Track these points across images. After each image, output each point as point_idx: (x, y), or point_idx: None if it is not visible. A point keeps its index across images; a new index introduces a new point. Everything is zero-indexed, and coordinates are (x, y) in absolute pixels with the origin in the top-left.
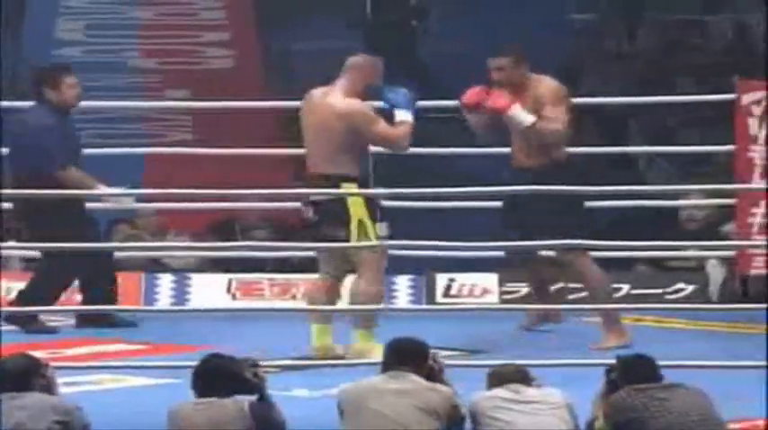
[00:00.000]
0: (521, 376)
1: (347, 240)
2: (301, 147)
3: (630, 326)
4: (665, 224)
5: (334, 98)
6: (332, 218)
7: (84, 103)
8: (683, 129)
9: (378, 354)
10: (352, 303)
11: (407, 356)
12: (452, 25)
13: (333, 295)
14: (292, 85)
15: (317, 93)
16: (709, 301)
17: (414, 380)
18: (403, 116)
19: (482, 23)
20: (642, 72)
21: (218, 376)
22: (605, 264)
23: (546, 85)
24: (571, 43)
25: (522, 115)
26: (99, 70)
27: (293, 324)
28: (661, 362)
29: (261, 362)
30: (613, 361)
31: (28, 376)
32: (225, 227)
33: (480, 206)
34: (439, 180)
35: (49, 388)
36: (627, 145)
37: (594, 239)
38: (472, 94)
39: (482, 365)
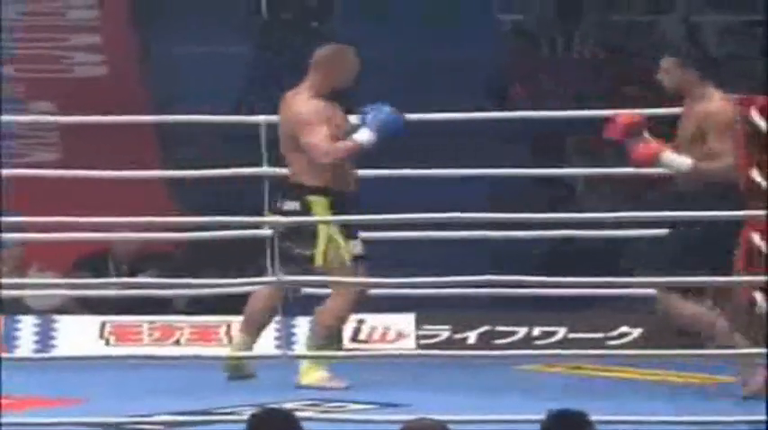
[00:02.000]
0: None
1: (312, 259)
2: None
3: (567, 375)
4: (609, 256)
5: (298, 99)
6: (298, 233)
7: None
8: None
9: (320, 381)
10: (313, 323)
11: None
12: (358, 28)
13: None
14: (176, 95)
15: (289, 93)
16: (661, 346)
17: None
18: (359, 137)
19: (392, 26)
20: (581, 81)
21: None
22: (536, 303)
23: (716, 106)
24: (498, 49)
25: (675, 162)
26: None
27: (177, 372)
28: (600, 418)
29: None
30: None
31: None
32: (97, 261)
33: (398, 236)
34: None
35: None
36: (563, 166)
37: (524, 274)
38: (618, 130)
39: (396, 421)
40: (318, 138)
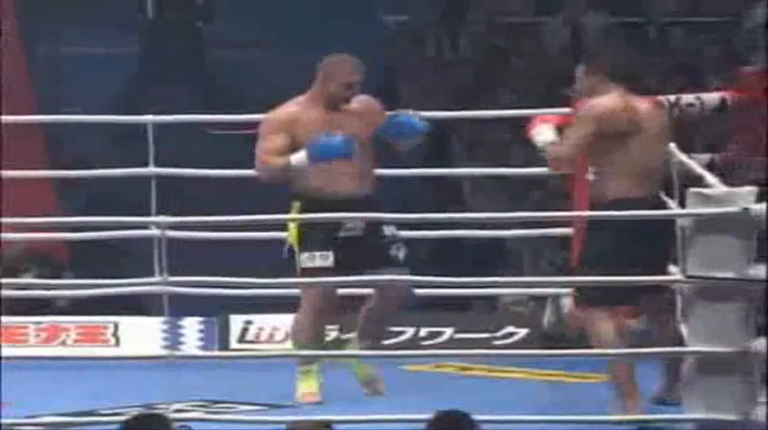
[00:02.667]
0: None
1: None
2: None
3: (456, 375)
4: (495, 257)
5: (286, 106)
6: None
7: None
8: (514, 148)
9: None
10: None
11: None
12: (243, 28)
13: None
14: (63, 95)
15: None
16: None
17: None
18: (294, 157)
19: (277, 27)
20: (467, 82)
21: None
22: (426, 302)
23: (599, 101)
24: (386, 50)
25: (536, 138)
26: None
27: (64, 373)
28: (487, 418)
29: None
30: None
31: None
32: None
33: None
34: (227, 206)
35: None
36: (449, 166)
37: (412, 274)
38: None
39: (283, 422)
40: (260, 149)
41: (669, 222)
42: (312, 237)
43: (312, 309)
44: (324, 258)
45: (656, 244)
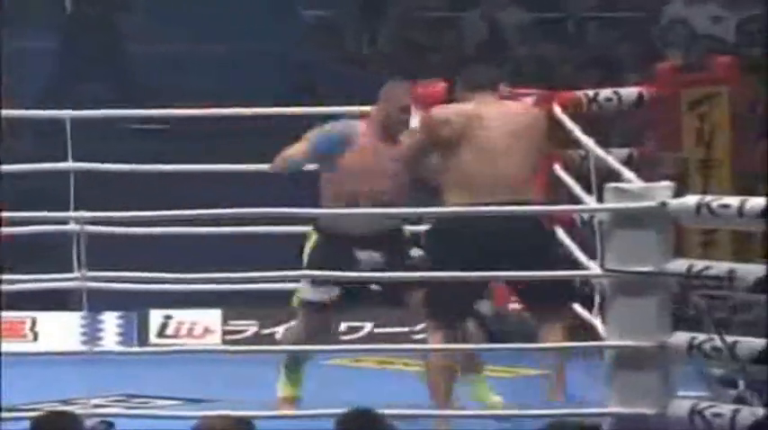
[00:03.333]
0: None
1: None
2: None
3: (375, 369)
4: None
5: None
6: None
7: None
8: None
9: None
10: None
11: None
12: (160, 22)
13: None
14: None
15: None
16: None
17: None
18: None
19: (195, 21)
20: (385, 77)
21: None
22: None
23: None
24: (303, 45)
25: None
26: None
27: None
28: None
29: None
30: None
31: None
32: None
33: (203, 232)
34: (153, 201)
35: None
36: None
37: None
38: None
39: (201, 417)
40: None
41: (534, 235)
42: (321, 269)
43: (305, 329)
44: (326, 292)
45: (501, 258)
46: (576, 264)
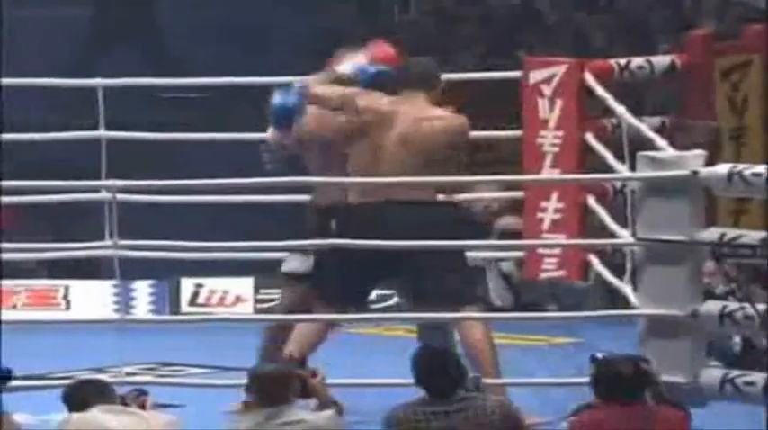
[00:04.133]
0: None
1: None
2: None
3: (406, 338)
4: None
5: None
6: None
7: None
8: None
9: None
10: None
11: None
12: None
13: None
14: (15, 58)
15: None
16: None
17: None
18: None
19: None
20: (415, 47)
21: None
22: None
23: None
24: (328, 15)
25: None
26: None
27: (14, 336)
28: None
29: None
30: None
31: None
32: None
33: (232, 201)
34: (181, 170)
35: None
36: None
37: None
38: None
39: (233, 385)
40: None
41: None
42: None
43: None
44: (292, 263)
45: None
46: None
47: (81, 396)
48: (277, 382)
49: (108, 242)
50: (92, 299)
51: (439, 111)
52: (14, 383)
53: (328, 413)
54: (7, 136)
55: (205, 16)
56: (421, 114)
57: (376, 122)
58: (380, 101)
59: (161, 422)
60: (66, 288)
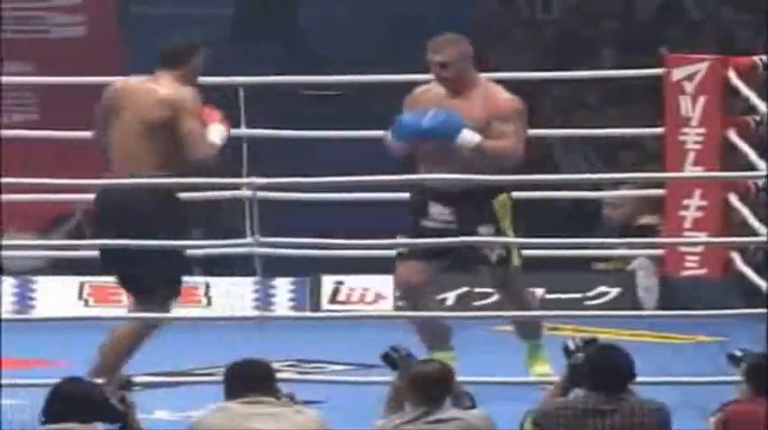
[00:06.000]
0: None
1: None
2: None
3: (545, 336)
4: (583, 218)
5: None
6: None
7: None
8: (604, 109)
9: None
10: None
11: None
12: None
13: None
14: (152, 57)
15: None
16: (637, 307)
17: (276, 403)
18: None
19: None
20: (557, 42)
21: (74, 401)
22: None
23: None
24: (474, 8)
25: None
26: None
27: (158, 333)
28: None
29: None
30: None
31: None
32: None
33: (374, 198)
34: (321, 167)
35: None
36: (538, 127)
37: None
38: None
39: (373, 382)
40: None
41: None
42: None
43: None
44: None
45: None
46: None
47: (243, 374)
48: (438, 382)
49: (249, 239)
50: (232, 296)
51: (154, 86)
52: (156, 380)
53: (482, 412)
54: None
55: (340, 10)
56: (145, 88)
57: (118, 103)
58: (116, 83)
59: (312, 418)
60: (207, 285)
